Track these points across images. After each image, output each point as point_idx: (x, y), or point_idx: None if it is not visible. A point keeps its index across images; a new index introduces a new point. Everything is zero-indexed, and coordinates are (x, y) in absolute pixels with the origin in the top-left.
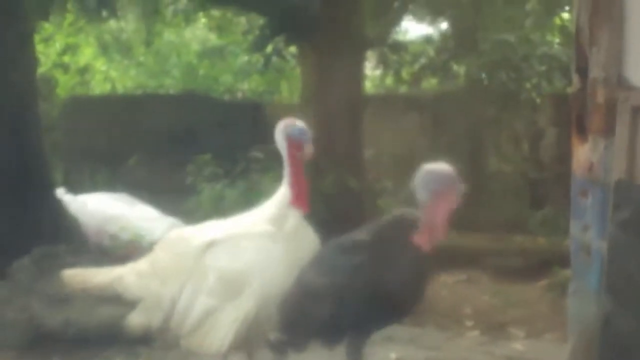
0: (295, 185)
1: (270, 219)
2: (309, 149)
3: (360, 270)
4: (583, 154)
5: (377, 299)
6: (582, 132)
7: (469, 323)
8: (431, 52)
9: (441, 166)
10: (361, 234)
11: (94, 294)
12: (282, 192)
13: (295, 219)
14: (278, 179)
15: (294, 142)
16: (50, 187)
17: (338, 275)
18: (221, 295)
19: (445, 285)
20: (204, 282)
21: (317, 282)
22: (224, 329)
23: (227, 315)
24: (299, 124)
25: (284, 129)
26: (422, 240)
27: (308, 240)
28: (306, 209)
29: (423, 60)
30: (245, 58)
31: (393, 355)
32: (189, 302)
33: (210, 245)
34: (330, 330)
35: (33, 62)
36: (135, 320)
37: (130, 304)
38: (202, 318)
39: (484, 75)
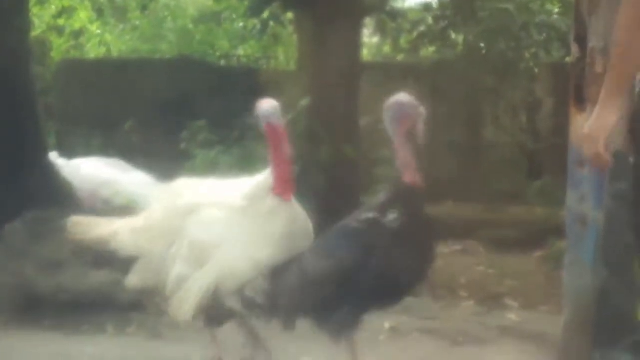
0: (277, 173)
1: (248, 194)
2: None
3: (368, 253)
4: (581, 124)
5: (387, 279)
6: (581, 102)
7: (463, 293)
8: (430, 20)
9: (398, 96)
10: (363, 213)
11: (92, 247)
12: (265, 176)
13: (273, 201)
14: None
15: (272, 127)
16: (43, 151)
17: (345, 260)
18: (191, 262)
19: (440, 256)
20: (182, 246)
21: (319, 265)
22: (190, 297)
23: (193, 284)
24: (268, 104)
25: (259, 114)
26: (409, 175)
27: (292, 224)
28: (289, 197)
29: (421, 28)
30: (242, 24)
31: (387, 324)
32: (171, 265)
33: (192, 209)
34: (330, 312)
35: (27, 24)
36: (132, 281)
37: (123, 270)
38: (176, 283)
39: (482, 44)
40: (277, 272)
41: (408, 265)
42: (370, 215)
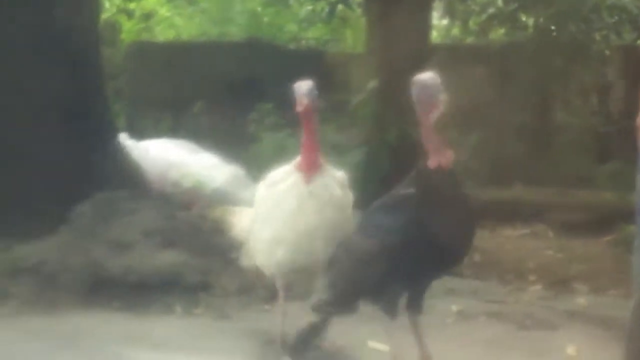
0: (303, 150)
1: (280, 172)
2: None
3: (408, 228)
4: None
5: (430, 250)
6: None
7: (531, 277)
8: (499, 1)
9: (423, 76)
10: (401, 190)
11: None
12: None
13: (294, 177)
14: (341, 129)
15: (304, 106)
16: (113, 133)
17: (387, 236)
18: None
19: (509, 239)
20: None
21: (365, 245)
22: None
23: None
24: (301, 85)
25: (294, 93)
26: (433, 161)
27: (314, 198)
28: (311, 172)
29: (491, 10)
30: (310, 6)
31: (454, 307)
32: None
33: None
34: (382, 290)
35: (97, 7)
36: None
37: (191, 250)
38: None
39: (552, 26)
40: (330, 260)
41: (443, 243)
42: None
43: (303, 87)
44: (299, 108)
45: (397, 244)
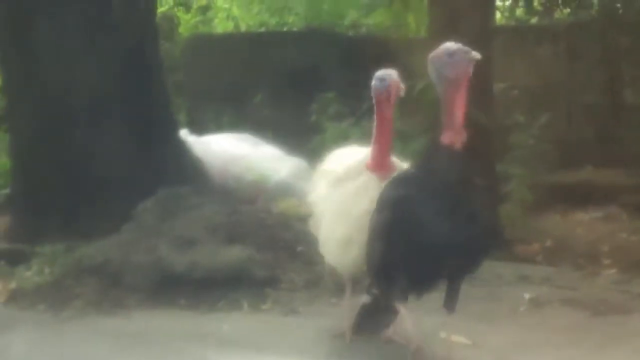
0: (375, 148)
1: (347, 169)
2: (395, 92)
3: (405, 203)
4: None
5: (430, 233)
6: None
7: (606, 261)
8: None
9: (440, 47)
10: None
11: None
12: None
13: (366, 177)
14: (404, 116)
15: (378, 96)
16: (174, 128)
17: (385, 211)
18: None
19: (581, 223)
20: None
21: (372, 220)
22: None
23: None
24: (382, 73)
25: (374, 82)
26: (449, 137)
27: None
28: (384, 173)
29: None
30: None
31: (527, 295)
32: None
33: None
34: (384, 270)
35: (153, 1)
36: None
37: (256, 245)
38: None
39: (618, 4)
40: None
41: (444, 225)
42: (411, 171)
43: (386, 76)
44: (379, 99)
45: (391, 219)
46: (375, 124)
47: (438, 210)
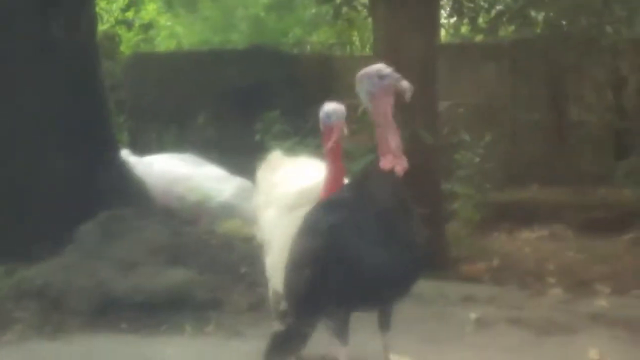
0: (329, 177)
1: (298, 196)
2: (339, 130)
3: (337, 230)
4: None
5: (362, 261)
6: None
7: (552, 280)
8: None
9: (372, 67)
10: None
11: None
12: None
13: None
14: (350, 135)
15: (326, 128)
16: (115, 149)
17: (316, 238)
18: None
19: (527, 242)
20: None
21: (297, 247)
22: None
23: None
24: (329, 106)
25: (320, 115)
26: (388, 161)
27: None
28: None
29: (499, 7)
30: (314, 9)
31: (473, 315)
32: None
33: (266, 204)
34: (310, 300)
35: (94, 19)
36: None
37: (198, 268)
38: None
39: (563, 21)
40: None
41: (380, 253)
42: (343, 194)
43: (332, 113)
44: (329, 138)
45: (322, 247)
46: (325, 151)
47: (374, 237)
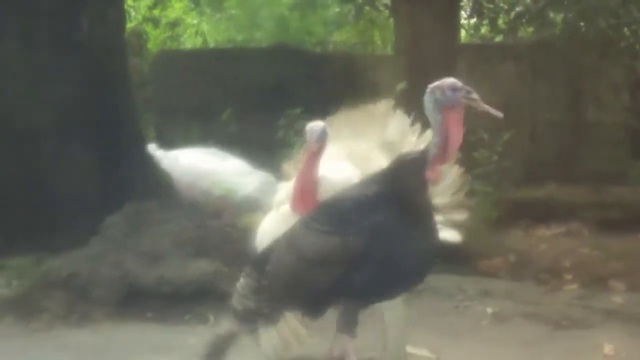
0: (296, 186)
1: (280, 199)
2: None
3: (376, 228)
4: None
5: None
6: None
7: (567, 276)
8: None
9: (445, 80)
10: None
11: None
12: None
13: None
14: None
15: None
16: (142, 143)
17: (354, 234)
18: None
19: (543, 239)
20: None
21: (321, 242)
22: None
23: None
24: (314, 127)
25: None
26: (435, 173)
27: None
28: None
29: (519, 8)
30: (337, 9)
31: (489, 309)
32: None
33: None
34: (329, 295)
35: (122, 16)
36: None
37: (223, 259)
38: None
39: (581, 23)
40: (260, 260)
41: (405, 251)
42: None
43: (315, 129)
44: (309, 150)
45: (362, 245)
46: (302, 165)
47: (405, 234)
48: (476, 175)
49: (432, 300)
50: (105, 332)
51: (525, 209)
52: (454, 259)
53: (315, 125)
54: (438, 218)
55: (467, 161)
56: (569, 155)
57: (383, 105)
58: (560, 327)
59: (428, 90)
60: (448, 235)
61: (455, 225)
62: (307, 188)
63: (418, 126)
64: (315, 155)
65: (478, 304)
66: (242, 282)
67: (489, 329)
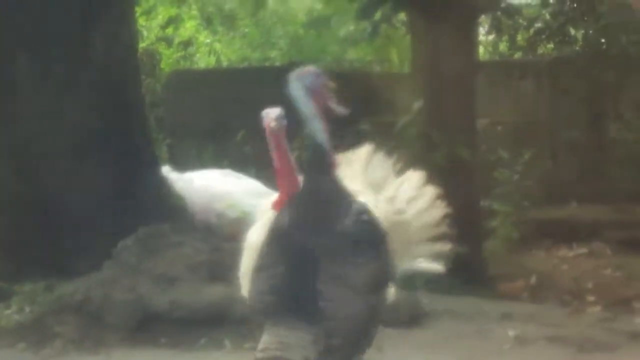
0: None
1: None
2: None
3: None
4: None
5: None
6: None
7: (590, 298)
8: (547, 16)
9: (307, 67)
10: None
11: None
12: None
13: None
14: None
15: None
16: (155, 165)
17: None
18: None
19: (565, 259)
20: None
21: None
22: None
23: None
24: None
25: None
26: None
27: None
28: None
29: (538, 25)
30: (352, 27)
31: (511, 332)
32: None
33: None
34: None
35: (134, 36)
36: None
37: (235, 285)
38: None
39: (602, 39)
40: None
41: None
42: None
43: (270, 112)
44: (271, 134)
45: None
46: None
47: None
48: (497, 195)
49: (453, 323)
50: (118, 358)
51: (546, 229)
52: (475, 281)
53: (270, 110)
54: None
55: (487, 181)
56: (590, 174)
57: (364, 151)
58: (583, 350)
59: (294, 77)
60: (432, 266)
61: (439, 256)
62: (286, 170)
63: (400, 167)
64: (278, 137)
65: (500, 326)
66: (294, 335)
67: (512, 353)
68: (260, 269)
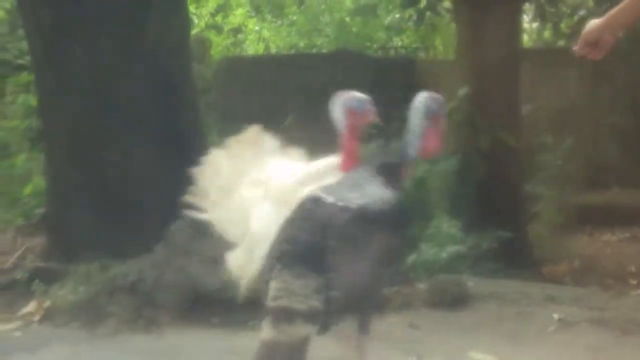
0: (346, 151)
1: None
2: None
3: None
4: None
5: None
6: None
7: (633, 281)
8: (590, 2)
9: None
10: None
11: None
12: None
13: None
14: None
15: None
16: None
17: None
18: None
19: (608, 244)
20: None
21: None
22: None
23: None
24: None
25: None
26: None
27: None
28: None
29: (582, 12)
30: (398, 14)
31: (555, 315)
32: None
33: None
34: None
35: (187, 23)
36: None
37: None
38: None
39: None
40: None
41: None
42: None
43: (364, 100)
44: (349, 115)
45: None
46: (344, 133)
47: None
48: (540, 179)
49: (497, 305)
50: (171, 338)
51: (589, 213)
52: (519, 264)
53: (358, 94)
54: None
55: (531, 165)
56: (632, 159)
57: (251, 132)
58: (627, 332)
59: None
60: None
61: None
62: (353, 148)
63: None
64: (362, 120)
65: (543, 309)
66: (299, 283)
67: (556, 335)
68: (289, 223)
